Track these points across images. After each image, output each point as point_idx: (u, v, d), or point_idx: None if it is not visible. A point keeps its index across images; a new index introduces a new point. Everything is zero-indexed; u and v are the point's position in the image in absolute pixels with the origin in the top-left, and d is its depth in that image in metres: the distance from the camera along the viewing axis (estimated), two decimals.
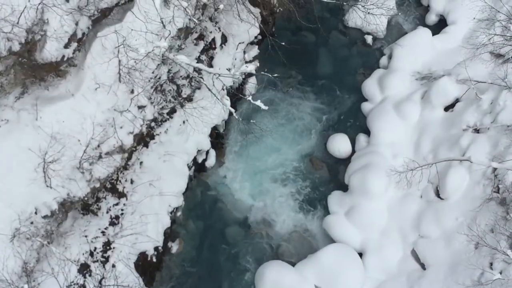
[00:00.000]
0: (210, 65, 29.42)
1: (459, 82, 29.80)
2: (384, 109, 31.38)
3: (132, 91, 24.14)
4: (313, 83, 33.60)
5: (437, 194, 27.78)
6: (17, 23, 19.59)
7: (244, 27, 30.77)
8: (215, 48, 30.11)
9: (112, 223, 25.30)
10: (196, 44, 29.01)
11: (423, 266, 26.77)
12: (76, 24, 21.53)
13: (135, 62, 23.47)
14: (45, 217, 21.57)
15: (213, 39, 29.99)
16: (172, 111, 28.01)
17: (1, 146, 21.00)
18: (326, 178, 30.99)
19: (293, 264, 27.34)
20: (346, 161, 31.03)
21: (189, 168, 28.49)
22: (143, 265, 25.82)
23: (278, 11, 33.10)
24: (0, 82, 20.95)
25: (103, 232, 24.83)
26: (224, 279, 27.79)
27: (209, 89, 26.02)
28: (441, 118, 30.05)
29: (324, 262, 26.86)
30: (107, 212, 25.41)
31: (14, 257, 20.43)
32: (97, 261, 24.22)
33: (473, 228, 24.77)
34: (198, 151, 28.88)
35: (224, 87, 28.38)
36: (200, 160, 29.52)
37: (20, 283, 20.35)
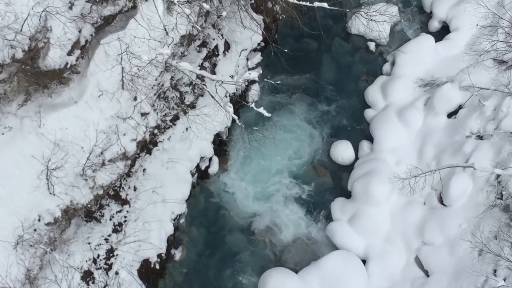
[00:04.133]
0: (213, 72, 29.45)
1: (462, 88, 29.78)
2: (387, 115, 31.37)
3: (135, 98, 24.17)
4: (316, 90, 33.60)
5: (441, 201, 27.74)
6: (21, 30, 19.63)
7: (247, 34, 30.82)
8: (218, 55, 30.15)
9: (115, 230, 25.32)
10: (199, 51, 29.05)
11: (426, 273, 26.72)
12: (79, 31, 21.58)
13: (138, 69, 23.50)
14: (48, 224, 21.58)
15: (216, 46, 30.04)
16: (175, 118, 28.04)
17: (5, 154, 21.03)
18: (329, 185, 30.97)
19: (296, 271, 27.28)
20: (349, 167, 31.01)
21: (192, 175, 28.51)
22: (146, 272, 25.82)
23: (281, 18, 33.15)
24: (4, 89, 20.99)
25: (106, 239, 24.84)
26: (227, 286, 27.75)
27: (212, 96, 26.04)
28: (444, 125, 30.03)
29: (327, 269, 26.81)
30: (110, 219, 25.43)
31: (18, 264, 20.44)
32: (100, 268, 24.23)
33: (477, 235, 24.74)
34: (201, 158, 28.90)
35: (227, 94, 28.42)
36: (203, 167, 29.53)
37: None
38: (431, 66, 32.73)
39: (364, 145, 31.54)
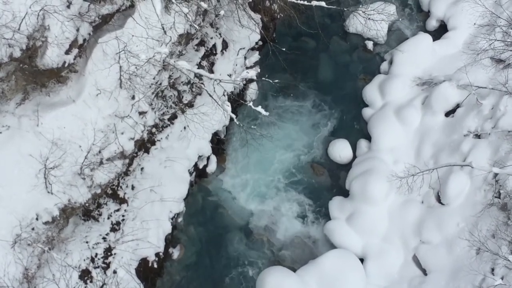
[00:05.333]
0: (211, 71, 29.45)
1: (459, 87, 29.81)
2: (385, 114, 31.39)
3: (133, 97, 24.17)
4: (314, 89, 33.61)
5: (438, 200, 27.77)
6: (18, 29, 19.62)
7: (245, 33, 30.81)
8: (216, 54, 30.14)
9: (113, 229, 25.31)
10: (197, 50, 29.05)
11: (424, 272, 26.74)
12: (77, 30, 21.57)
13: (136, 68, 23.50)
14: (46, 223, 21.56)
15: (214, 45, 30.04)
16: (173, 117, 28.03)
17: (2, 153, 21.02)
18: (327, 184, 30.98)
19: (294, 270, 27.27)
20: (347, 166, 31.03)
21: (190, 174, 28.49)
22: (144, 271, 25.81)
23: (278, 17, 33.15)
24: (1, 88, 20.98)
25: (104, 238, 24.83)
26: (225, 285, 27.76)
27: (210, 95, 26.04)
28: (442, 124, 30.05)
29: (325, 268, 26.82)
30: (108, 218, 25.42)
31: (15, 263, 20.43)
32: (98, 267, 24.22)
33: (474, 234, 24.76)
34: (199, 156, 28.88)
35: (225, 93, 28.39)
36: (201, 166, 29.51)
37: None
38: (429, 65, 32.77)
39: (362, 144, 31.57)
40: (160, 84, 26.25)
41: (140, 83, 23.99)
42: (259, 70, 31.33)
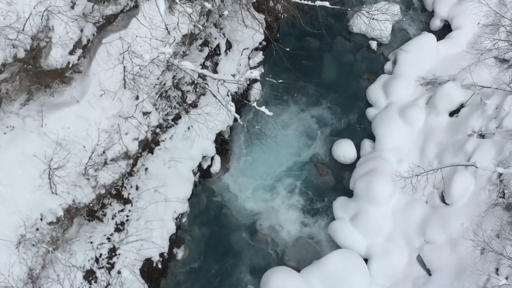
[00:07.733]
0: (215, 71, 29.44)
1: (464, 87, 29.79)
2: (389, 114, 31.38)
3: (137, 97, 24.18)
4: (318, 89, 33.62)
5: (443, 200, 27.75)
6: (23, 30, 19.64)
7: (249, 33, 30.80)
8: (219, 54, 30.13)
9: (117, 229, 25.31)
10: (200, 50, 29.04)
11: (428, 272, 26.73)
12: (81, 30, 21.59)
13: (140, 68, 23.50)
14: (50, 223, 21.59)
15: (218, 45, 30.02)
16: (177, 117, 28.03)
17: (7, 153, 21.03)
18: (331, 184, 30.98)
19: (299, 270, 27.30)
20: (351, 166, 31.03)
21: (194, 174, 28.51)
22: (148, 271, 25.83)
23: (282, 17, 33.11)
24: (6, 89, 20.99)
25: (108, 239, 24.85)
26: (229, 285, 27.78)
27: (214, 95, 26.04)
28: (446, 124, 30.03)
29: (329, 268, 26.83)
30: (113, 218, 25.44)
31: (20, 264, 20.46)
32: (102, 267, 24.23)
33: (479, 234, 24.73)
34: (203, 157, 28.89)
35: (229, 93, 28.38)
36: (205, 166, 29.54)
37: None
38: (433, 64, 32.76)
39: (366, 144, 31.56)
40: (164, 84, 26.26)
41: (144, 83, 24.00)
42: (263, 70, 31.34)
